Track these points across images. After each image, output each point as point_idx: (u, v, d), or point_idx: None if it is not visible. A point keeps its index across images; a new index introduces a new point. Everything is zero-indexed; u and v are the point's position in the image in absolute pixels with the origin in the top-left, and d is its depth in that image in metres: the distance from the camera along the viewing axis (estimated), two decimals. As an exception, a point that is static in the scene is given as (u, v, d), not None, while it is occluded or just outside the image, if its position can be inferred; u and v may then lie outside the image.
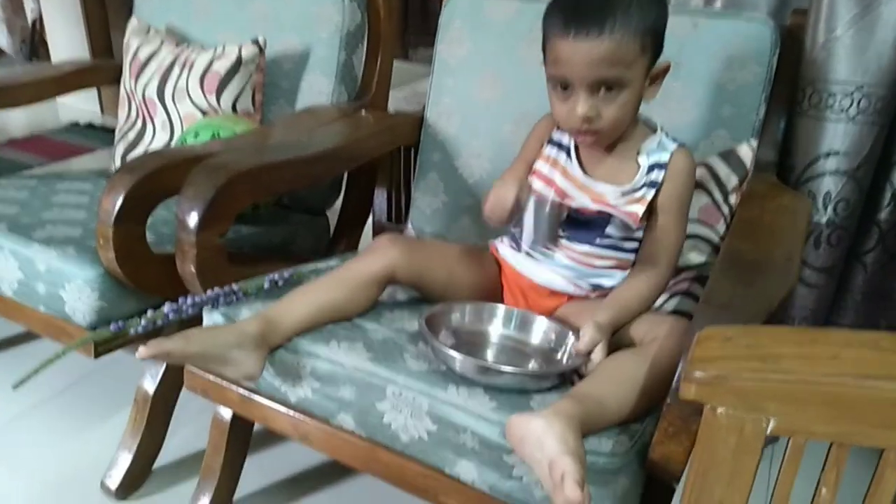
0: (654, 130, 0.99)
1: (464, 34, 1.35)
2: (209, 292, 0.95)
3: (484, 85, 1.32)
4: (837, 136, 1.12)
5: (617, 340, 0.89)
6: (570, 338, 0.90)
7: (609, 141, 0.97)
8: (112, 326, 0.85)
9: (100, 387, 1.52)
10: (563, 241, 1.00)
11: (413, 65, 4.07)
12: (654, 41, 0.90)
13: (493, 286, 1.05)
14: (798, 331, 0.61)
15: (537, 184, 0.99)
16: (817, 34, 1.12)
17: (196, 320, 0.96)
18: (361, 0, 1.45)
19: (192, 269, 0.97)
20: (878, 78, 1.08)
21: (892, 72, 1.08)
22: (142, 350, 0.77)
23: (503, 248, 1.07)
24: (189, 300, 0.91)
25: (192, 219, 0.96)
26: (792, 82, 1.17)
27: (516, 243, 1.06)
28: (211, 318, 0.96)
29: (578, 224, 0.99)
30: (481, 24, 1.33)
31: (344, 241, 1.56)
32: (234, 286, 0.96)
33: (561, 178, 1.00)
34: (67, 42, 3.26)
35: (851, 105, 1.10)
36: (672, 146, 0.97)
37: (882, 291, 1.25)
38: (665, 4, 0.92)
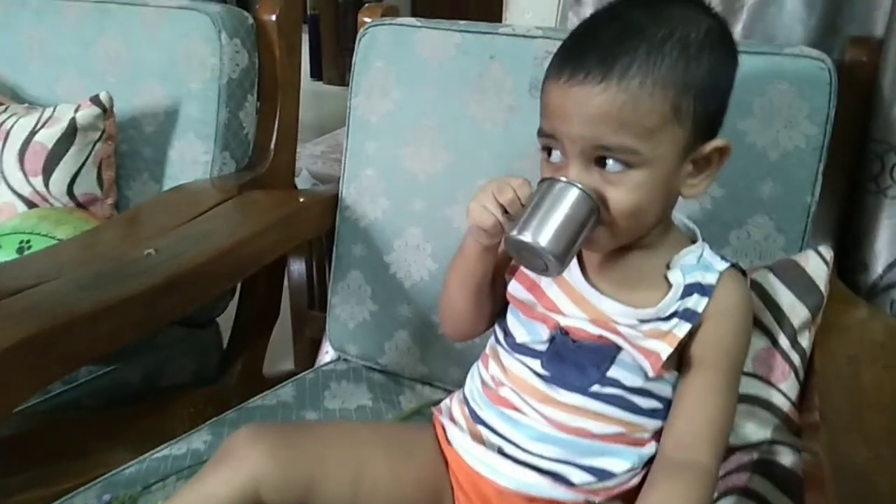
0: (694, 241, 0.66)
1: (388, 80, 0.97)
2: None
3: (420, 151, 0.95)
4: (935, 225, 0.77)
5: None
6: None
7: (617, 244, 0.62)
8: None
9: None
10: (542, 386, 0.64)
11: (351, 89, 3.69)
12: (703, 107, 0.57)
13: (435, 493, 0.67)
14: None
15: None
16: (901, 78, 0.77)
17: None
18: (248, 36, 1.06)
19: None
20: None
21: None
22: None
23: (453, 430, 0.69)
24: None
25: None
26: (857, 146, 0.82)
27: (471, 407, 0.69)
28: None
29: (567, 357, 0.64)
30: (411, 65, 0.96)
31: (243, 357, 1.17)
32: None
33: (549, 282, 0.66)
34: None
35: (956, 181, 0.76)
36: (721, 265, 0.64)
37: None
38: (733, 54, 0.60)
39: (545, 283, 0.66)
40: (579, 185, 0.57)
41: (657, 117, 0.56)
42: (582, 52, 0.58)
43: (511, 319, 0.69)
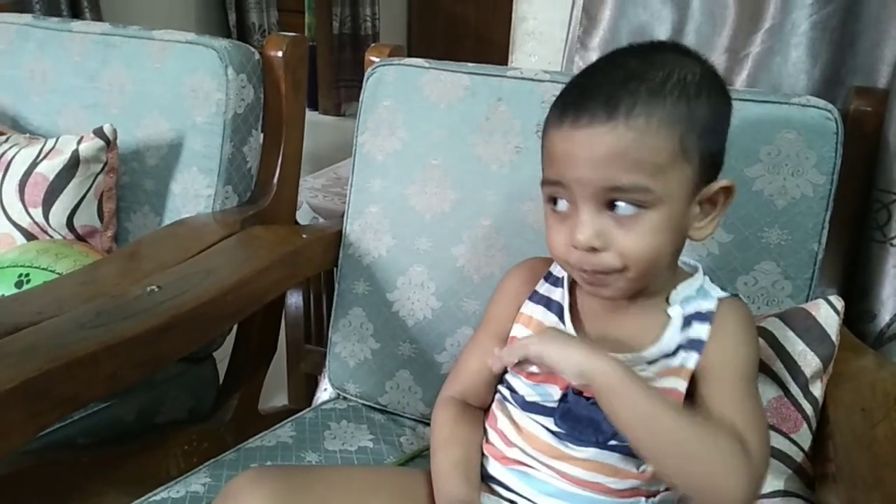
0: (692, 273, 0.65)
1: (396, 119, 0.97)
2: None
3: (426, 189, 0.94)
4: (942, 276, 0.78)
5: None
6: None
7: (633, 291, 0.61)
8: None
9: None
10: (555, 444, 0.64)
11: (347, 120, 3.69)
12: (706, 145, 0.57)
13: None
14: None
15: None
16: (907, 131, 0.78)
17: None
18: (254, 71, 1.06)
19: None
20: None
21: None
22: None
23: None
24: None
25: None
26: (863, 196, 0.83)
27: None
28: None
29: (581, 413, 0.63)
30: (419, 105, 0.96)
31: (239, 393, 1.15)
32: None
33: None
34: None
35: (964, 233, 0.76)
36: (720, 293, 0.64)
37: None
38: (726, 96, 0.60)
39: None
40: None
41: (666, 154, 0.55)
42: (583, 98, 0.57)
43: (515, 381, 0.68)
